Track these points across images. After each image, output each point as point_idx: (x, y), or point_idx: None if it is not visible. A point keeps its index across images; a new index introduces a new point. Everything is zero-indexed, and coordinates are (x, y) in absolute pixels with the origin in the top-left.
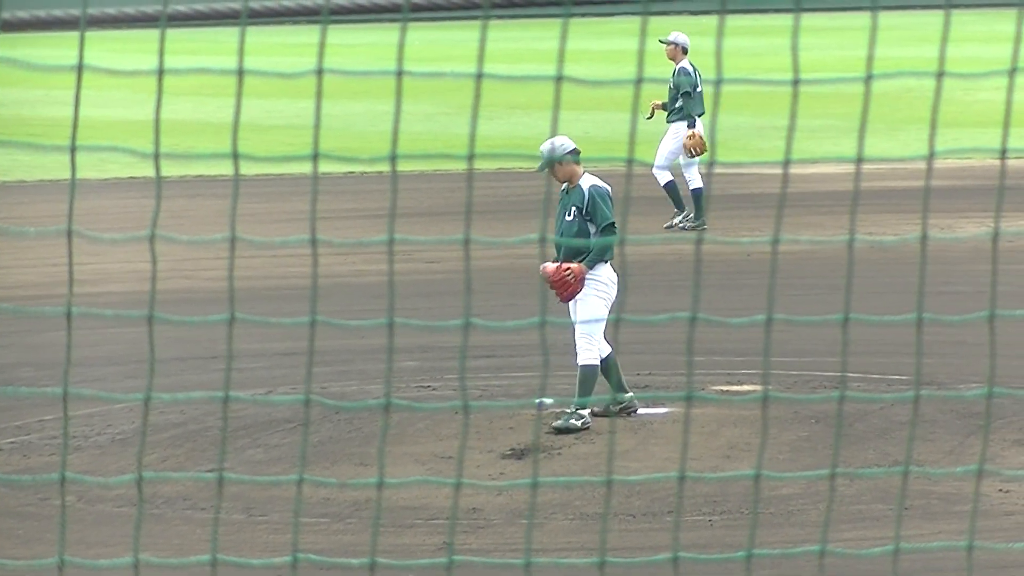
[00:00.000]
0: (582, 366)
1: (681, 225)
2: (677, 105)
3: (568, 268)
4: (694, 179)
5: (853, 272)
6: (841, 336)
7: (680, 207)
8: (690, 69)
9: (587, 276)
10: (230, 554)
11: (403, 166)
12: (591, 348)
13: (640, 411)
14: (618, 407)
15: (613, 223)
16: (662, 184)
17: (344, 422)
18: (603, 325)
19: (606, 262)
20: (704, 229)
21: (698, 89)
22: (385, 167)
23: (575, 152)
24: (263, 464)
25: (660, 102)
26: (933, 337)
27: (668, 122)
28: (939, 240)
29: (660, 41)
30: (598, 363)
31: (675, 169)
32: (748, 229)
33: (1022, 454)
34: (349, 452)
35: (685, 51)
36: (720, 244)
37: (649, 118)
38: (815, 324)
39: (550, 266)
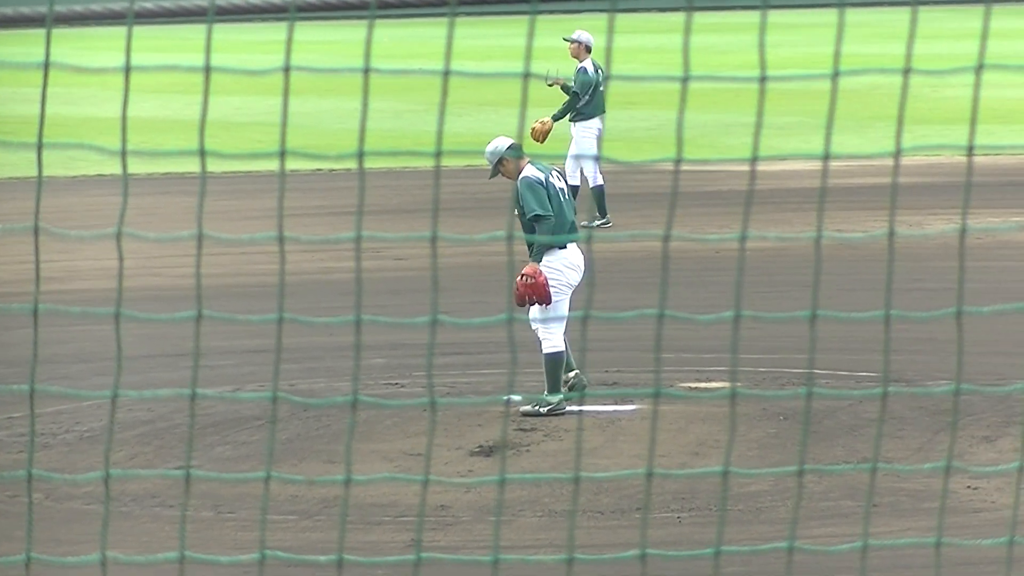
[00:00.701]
0: (546, 355)
1: (591, 223)
2: (580, 104)
3: (529, 278)
4: (595, 176)
5: (821, 269)
6: (809, 333)
7: (603, 213)
8: (590, 68)
9: (543, 263)
10: (199, 551)
11: (371, 163)
12: (551, 336)
13: (607, 408)
14: (546, 408)
15: (538, 214)
16: (591, 186)
17: (312, 419)
18: (564, 311)
19: (564, 247)
20: (608, 225)
21: (600, 88)
22: (353, 164)
23: (514, 148)
24: (231, 461)
25: (563, 80)
26: (902, 334)
27: (572, 122)
28: (908, 237)
29: (564, 39)
30: (563, 350)
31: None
32: (716, 226)
33: (991, 451)
34: (317, 449)
35: (588, 49)
36: (688, 241)
37: (550, 85)
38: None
39: (519, 291)
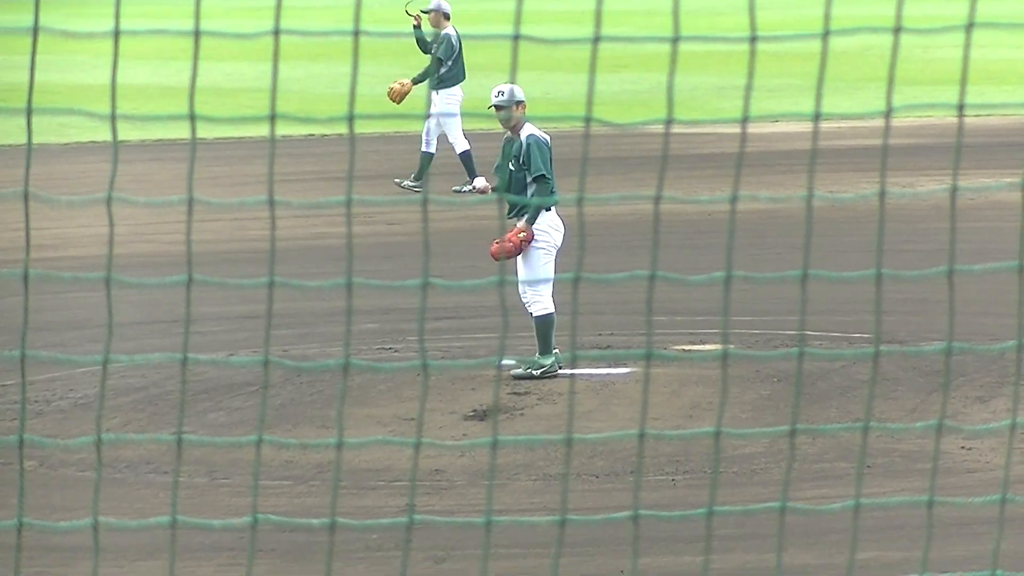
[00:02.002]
0: (537, 318)
1: (462, 189)
2: (443, 71)
3: (509, 241)
4: (460, 142)
5: (812, 230)
6: (800, 294)
7: (472, 174)
8: (454, 36)
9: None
10: (192, 517)
11: (362, 128)
12: (542, 299)
13: (600, 371)
14: (539, 371)
15: (543, 175)
16: (458, 153)
17: (306, 385)
18: (550, 273)
19: (548, 210)
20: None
21: (462, 56)
22: (343, 128)
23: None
24: (225, 427)
25: (419, 13)
26: (894, 295)
27: (434, 89)
28: (899, 198)
29: (422, 11)
30: (553, 311)
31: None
32: (708, 189)
33: (984, 411)
34: (311, 415)
35: (447, 17)
36: (679, 203)
37: (416, 26)
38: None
39: (494, 248)
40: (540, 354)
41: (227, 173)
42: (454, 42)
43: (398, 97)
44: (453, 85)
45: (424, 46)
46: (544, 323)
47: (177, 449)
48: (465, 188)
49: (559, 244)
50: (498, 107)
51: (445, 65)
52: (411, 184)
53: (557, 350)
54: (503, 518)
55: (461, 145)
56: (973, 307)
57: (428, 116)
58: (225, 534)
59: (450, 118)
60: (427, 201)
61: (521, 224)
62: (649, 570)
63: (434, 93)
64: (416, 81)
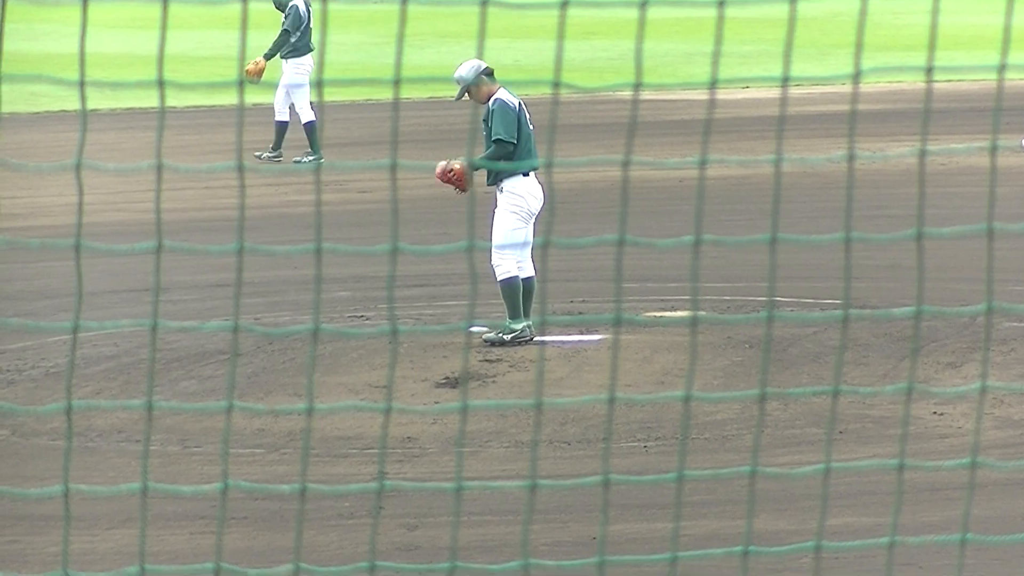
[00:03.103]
0: (500, 282)
1: (302, 160)
2: (293, 40)
3: (451, 169)
4: (307, 112)
5: (780, 195)
6: (769, 259)
7: (316, 149)
8: (301, 6)
9: (504, 190)
10: (164, 485)
11: (332, 95)
12: (503, 262)
13: (572, 338)
14: (510, 336)
15: (501, 139)
16: (303, 123)
17: (278, 353)
18: (521, 239)
19: (526, 175)
20: (322, 160)
21: (310, 26)
22: (313, 95)
23: (488, 72)
24: (197, 395)
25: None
26: (865, 261)
27: (284, 59)
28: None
29: None
30: (516, 275)
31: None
32: (679, 155)
33: (956, 376)
34: (283, 383)
35: None
36: (649, 168)
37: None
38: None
39: (438, 168)
40: (509, 318)
41: (197, 142)
42: (302, 12)
43: (256, 76)
44: (303, 54)
45: (280, 6)
46: (508, 287)
47: (148, 417)
48: (305, 159)
49: (535, 211)
50: (466, 92)
51: (294, 35)
52: (270, 155)
53: (528, 321)
54: (474, 483)
55: (306, 116)
56: (945, 273)
57: (278, 86)
58: (198, 502)
59: (298, 88)
60: (395, 166)
61: (462, 163)
62: (621, 536)
63: (284, 62)
64: (268, 56)
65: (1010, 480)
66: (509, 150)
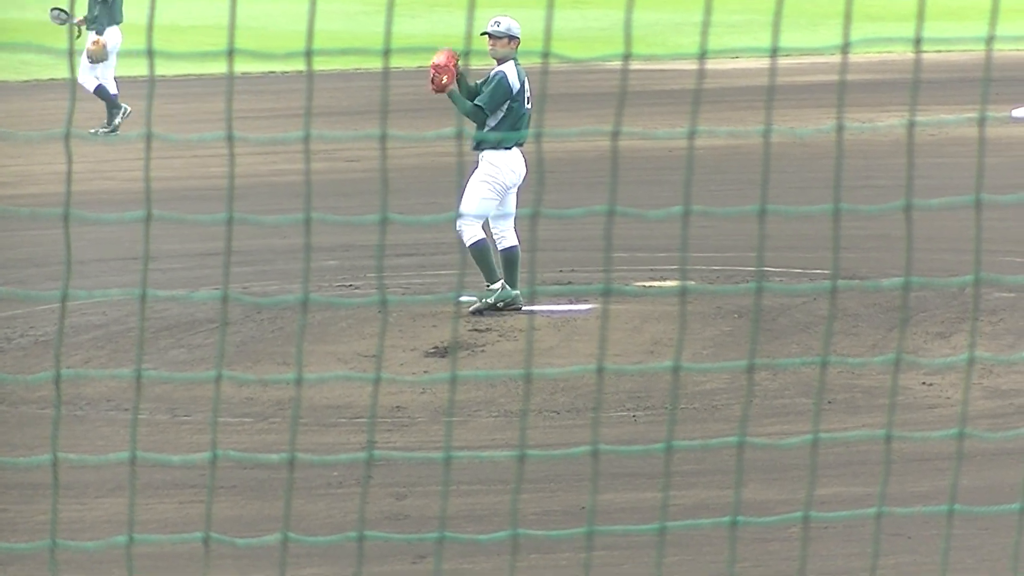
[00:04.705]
0: (469, 248)
1: (96, 132)
2: (94, 14)
3: (447, 66)
4: (106, 82)
5: (770, 165)
6: (758, 229)
7: (117, 107)
8: None
9: (484, 160)
10: (153, 454)
11: (322, 64)
12: (467, 228)
13: (562, 308)
14: (502, 303)
15: (481, 108)
16: (91, 91)
17: (267, 322)
18: (489, 210)
19: (508, 148)
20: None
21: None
22: (302, 65)
23: (519, 40)
24: (186, 364)
25: (82, 18)
26: (855, 231)
27: (93, 31)
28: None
29: None
30: (483, 238)
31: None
32: (669, 125)
33: (945, 347)
34: (271, 352)
35: None
36: (639, 138)
37: (78, 36)
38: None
39: (441, 55)
40: (487, 282)
41: (185, 110)
42: None
43: (99, 55)
44: (109, 25)
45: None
46: (477, 250)
47: (136, 385)
48: (100, 130)
49: (510, 185)
50: (489, 35)
51: (110, 3)
52: (105, 130)
53: (517, 291)
54: (462, 453)
55: (111, 86)
56: (934, 243)
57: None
58: (187, 471)
59: (112, 56)
60: (385, 136)
61: (458, 71)
62: (610, 506)
63: (92, 34)
64: (99, 32)
65: (999, 450)
66: (481, 119)
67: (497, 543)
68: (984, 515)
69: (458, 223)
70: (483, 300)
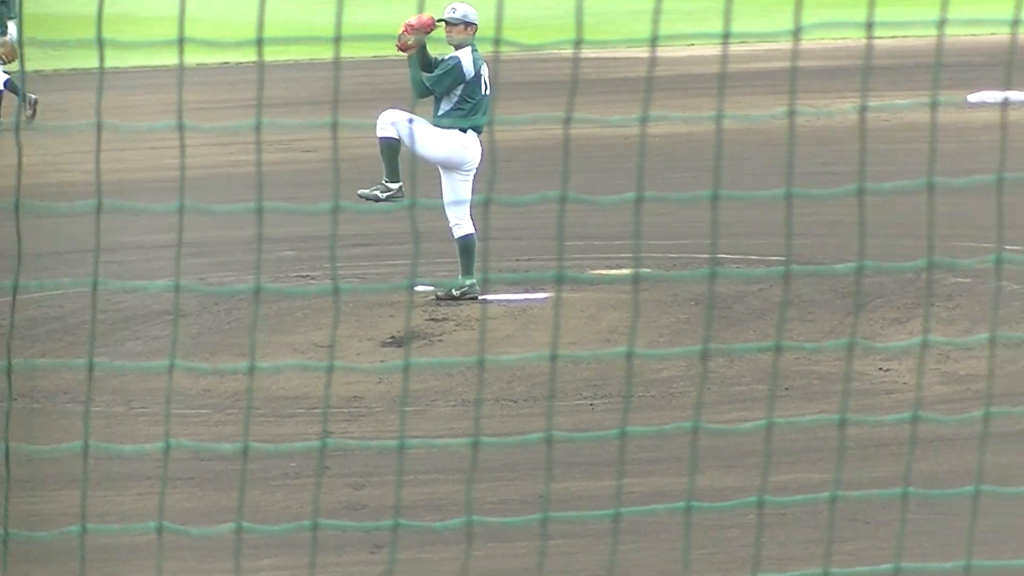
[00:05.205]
0: (458, 240)
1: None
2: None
3: (414, 31)
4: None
5: (722, 151)
6: (712, 215)
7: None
8: None
9: (441, 132)
10: (106, 444)
11: (276, 54)
12: (461, 220)
13: (518, 297)
14: (459, 291)
15: (426, 87)
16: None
17: (223, 313)
18: (466, 194)
19: (464, 132)
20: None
21: None
22: (254, 54)
23: (475, 28)
24: (143, 355)
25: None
26: (810, 218)
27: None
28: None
29: None
30: (473, 232)
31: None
32: (623, 113)
33: (901, 332)
34: (228, 343)
35: None
36: (592, 125)
37: None
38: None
39: (416, 19)
40: (463, 275)
41: (140, 102)
42: None
43: (10, 55)
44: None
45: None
46: (464, 243)
47: (89, 376)
48: (31, 118)
49: (467, 160)
50: (446, 22)
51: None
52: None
53: (473, 280)
54: (417, 441)
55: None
56: (889, 229)
57: None
58: (144, 463)
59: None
60: (336, 124)
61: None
62: (567, 494)
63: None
64: (2, 33)
65: (956, 435)
66: (422, 94)
67: (454, 532)
68: (941, 500)
69: (451, 218)
70: (456, 290)
